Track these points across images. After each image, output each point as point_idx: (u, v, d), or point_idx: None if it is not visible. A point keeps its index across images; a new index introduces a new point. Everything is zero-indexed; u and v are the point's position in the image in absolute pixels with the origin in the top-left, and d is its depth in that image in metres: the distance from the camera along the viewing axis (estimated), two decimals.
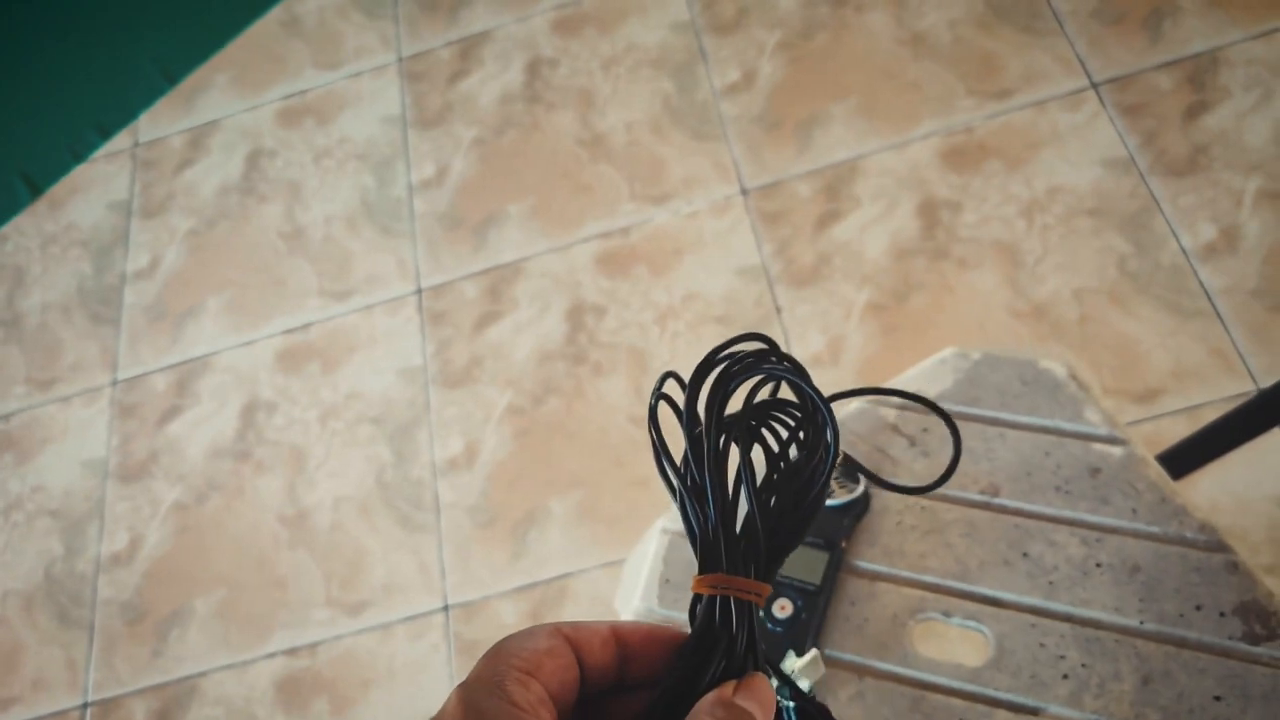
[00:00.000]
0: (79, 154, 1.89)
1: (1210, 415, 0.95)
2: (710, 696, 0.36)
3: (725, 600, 0.37)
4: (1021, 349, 1.07)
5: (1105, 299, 1.30)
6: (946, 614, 0.64)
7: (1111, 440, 0.66)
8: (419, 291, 1.59)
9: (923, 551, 0.66)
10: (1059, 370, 0.71)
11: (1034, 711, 0.59)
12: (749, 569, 0.38)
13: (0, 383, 1.68)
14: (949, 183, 1.44)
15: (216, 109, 1.88)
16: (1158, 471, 0.65)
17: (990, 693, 0.60)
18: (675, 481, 0.39)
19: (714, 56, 1.66)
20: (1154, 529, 0.63)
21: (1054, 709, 0.59)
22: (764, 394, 0.41)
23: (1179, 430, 1.04)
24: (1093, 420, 0.67)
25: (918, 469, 0.69)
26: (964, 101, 1.49)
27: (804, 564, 0.66)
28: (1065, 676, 0.60)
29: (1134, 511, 0.63)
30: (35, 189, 1.86)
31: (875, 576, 0.66)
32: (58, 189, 1.87)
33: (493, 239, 1.60)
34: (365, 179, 1.72)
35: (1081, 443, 0.67)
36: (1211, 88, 1.40)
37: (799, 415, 0.39)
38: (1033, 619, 0.62)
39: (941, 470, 0.68)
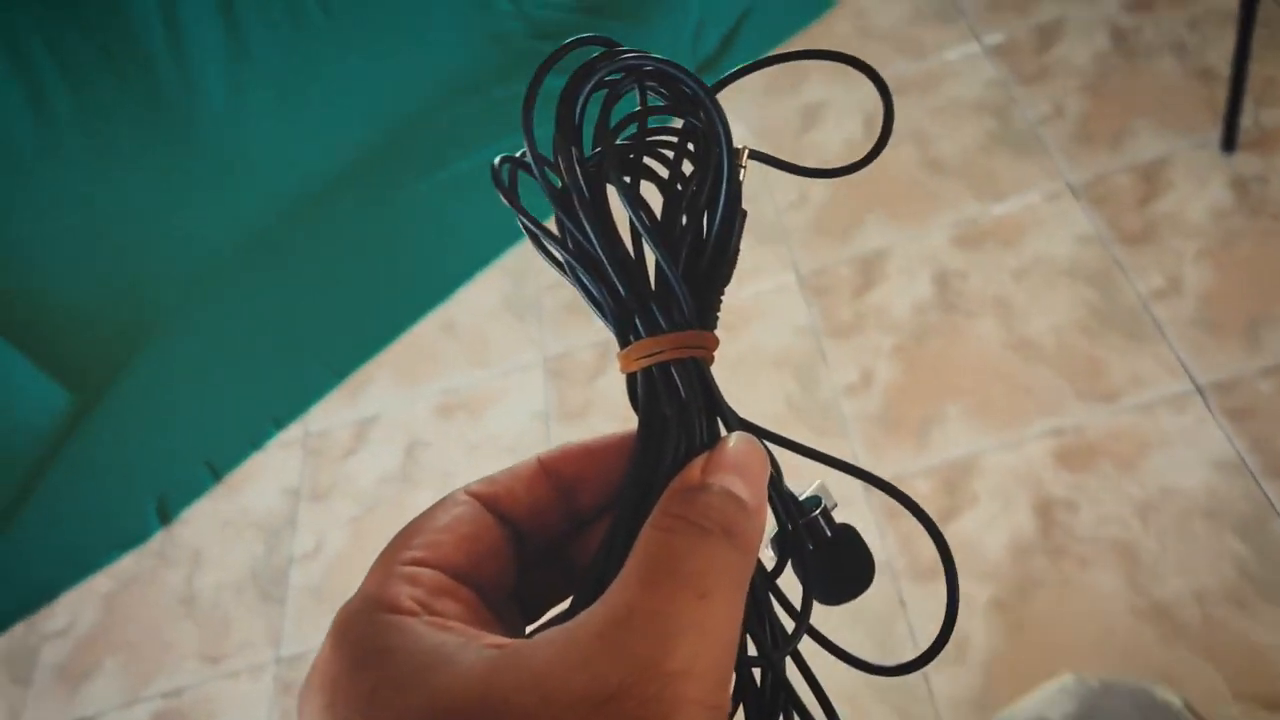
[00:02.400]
0: (256, 443, 2.10)
1: None
2: (668, 493, 0.28)
3: (663, 368, 0.31)
4: (1144, 666, 1.11)
5: (1227, 601, 1.33)
6: None
7: None
8: None
9: None
10: (1175, 701, 0.77)
11: None
12: (678, 322, 0.31)
13: (175, 658, 1.82)
14: (1064, 482, 1.51)
15: (379, 403, 2.09)
16: None
17: None
18: (559, 255, 0.32)
19: (833, 358, 1.80)
20: None
21: None
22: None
23: None
24: None
25: None
26: (1073, 404, 1.59)
27: None
28: None
29: None
30: (216, 475, 2.07)
31: None
32: (236, 475, 2.07)
33: None
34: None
35: None
36: None
37: (678, 129, 0.32)
38: None
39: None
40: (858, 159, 0.34)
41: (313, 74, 2.55)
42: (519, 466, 0.32)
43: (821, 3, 2.37)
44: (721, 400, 0.31)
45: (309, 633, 1.78)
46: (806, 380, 1.79)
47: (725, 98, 0.32)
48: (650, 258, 0.32)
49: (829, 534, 0.34)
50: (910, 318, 1.80)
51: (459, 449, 1.95)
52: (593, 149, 0.31)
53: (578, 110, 0.30)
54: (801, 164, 0.35)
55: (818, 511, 0.34)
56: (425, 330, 2.18)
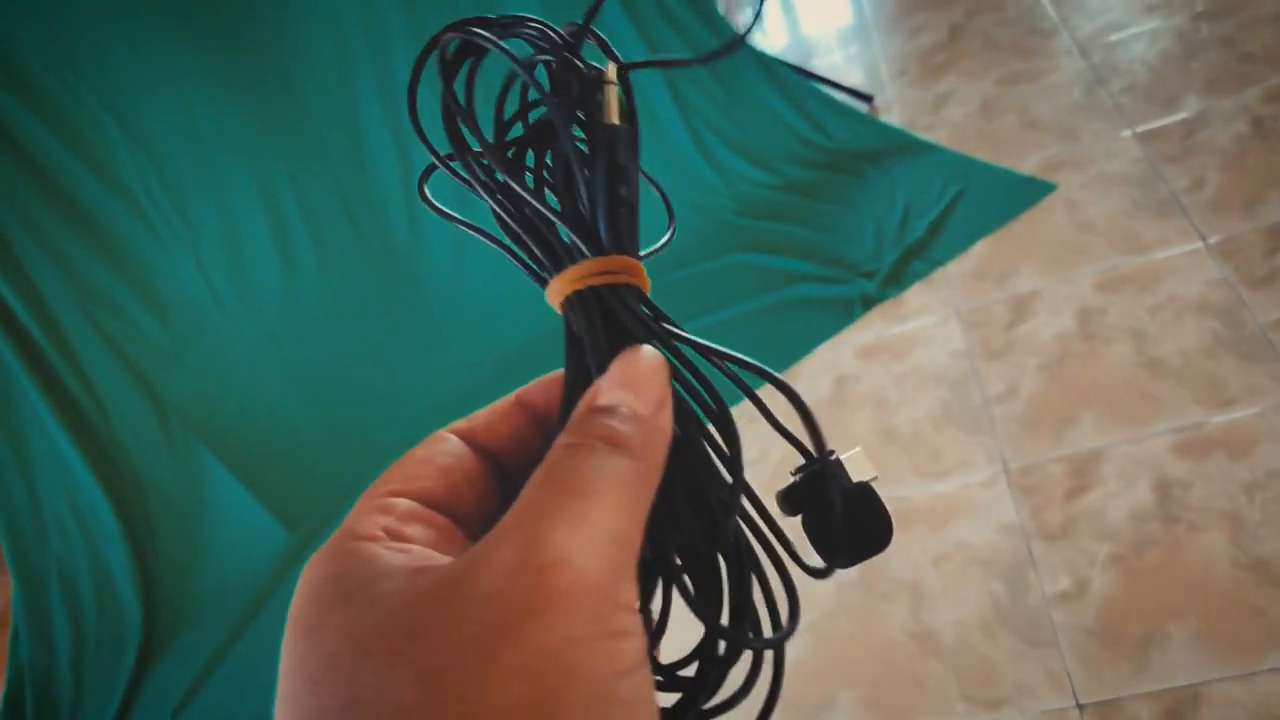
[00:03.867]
0: None
1: None
2: (570, 421, 0.29)
3: (580, 297, 0.33)
4: None
5: None
6: None
7: None
8: None
9: None
10: None
11: None
12: (590, 250, 0.34)
13: None
14: None
15: None
16: None
17: None
18: (503, 219, 0.36)
19: (1043, 562, 1.73)
20: None
21: None
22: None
23: None
24: None
25: None
26: None
27: None
28: None
29: None
30: None
31: None
32: None
33: None
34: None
35: None
36: None
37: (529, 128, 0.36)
38: None
39: None
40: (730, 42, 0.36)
41: None
42: (497, 403, 0.34)
43: (1035, 191, 2.37)
44: (628, 318, 0.32)
45: None
46: (1014, 583, 1.73)
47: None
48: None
49: (849, 485, 0.33)
50: (1127, 526, 1.73)
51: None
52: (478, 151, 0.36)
53: (461, 108, 0.35)
54: (680, 58, 0.38)
55: (843, 457, 0.34)
56: None
